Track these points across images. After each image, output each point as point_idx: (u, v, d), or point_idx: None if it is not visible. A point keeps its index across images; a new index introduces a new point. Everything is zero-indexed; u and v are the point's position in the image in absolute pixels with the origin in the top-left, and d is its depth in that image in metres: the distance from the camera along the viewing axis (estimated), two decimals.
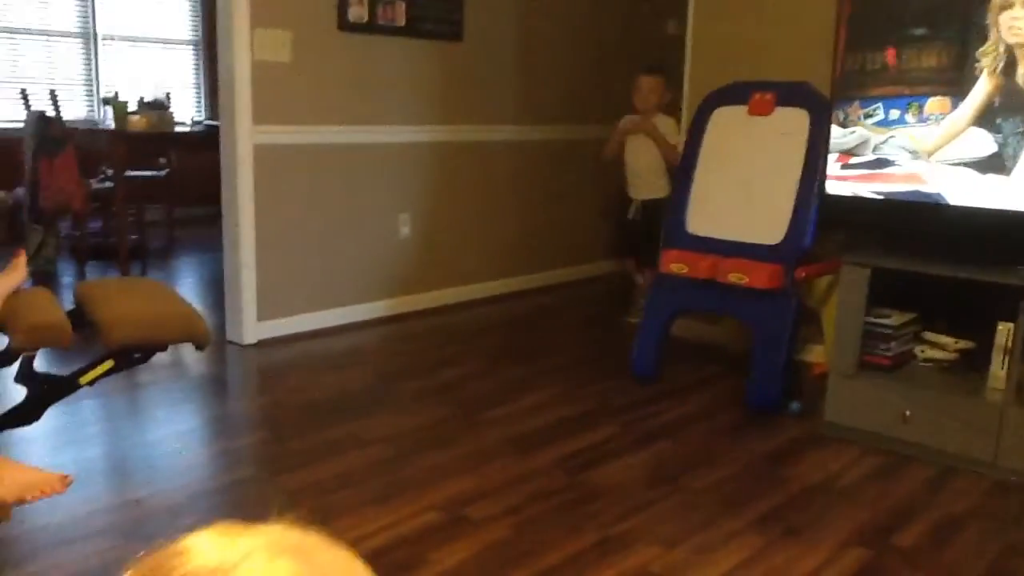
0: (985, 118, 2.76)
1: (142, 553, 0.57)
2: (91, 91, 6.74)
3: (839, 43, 3.16)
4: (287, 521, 0.59)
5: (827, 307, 3.58)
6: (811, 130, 3.25)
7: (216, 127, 4.05)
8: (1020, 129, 2.70)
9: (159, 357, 2.55)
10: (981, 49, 2.75)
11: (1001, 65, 2.71)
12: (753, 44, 3.77)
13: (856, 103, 3.03)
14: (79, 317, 2.47)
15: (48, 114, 5.03)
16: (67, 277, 5.20)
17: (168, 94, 5.87)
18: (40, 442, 2.72)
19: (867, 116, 3.00)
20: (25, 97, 5.35)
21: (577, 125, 5.21)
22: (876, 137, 3.01)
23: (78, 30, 6.64)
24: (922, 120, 2.89)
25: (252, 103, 3.79)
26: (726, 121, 3.50)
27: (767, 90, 3.40)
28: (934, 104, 2.85)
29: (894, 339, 3.01)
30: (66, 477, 1.88)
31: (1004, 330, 2.77)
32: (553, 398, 3.40)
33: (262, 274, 3.95)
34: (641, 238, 4.43)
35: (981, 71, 2.75)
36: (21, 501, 1.82)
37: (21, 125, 5.22)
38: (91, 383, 2.34)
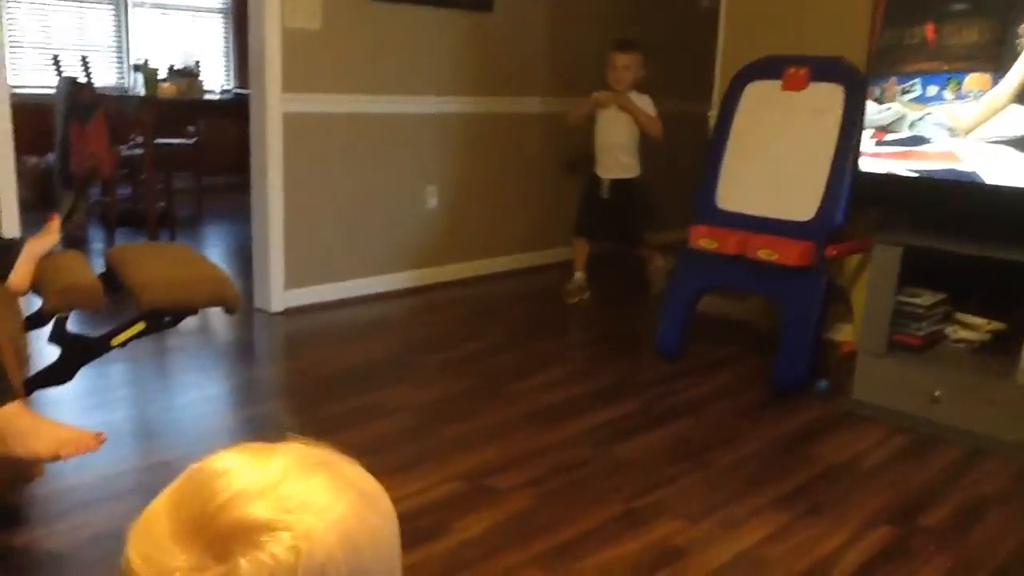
0: None
1: (177, 476, 0.59)
2: (121, 58, 6.77)
3: (877, 17, 3.11)
4: (301, 440, 0.62)
5: (857, 285, 3.55)
6: (845, 106, 3.20)
7: (244, 96, 4.06)
8: None
9: (187, 323, 2.57)
10: None
11: None
12: (788, 18, 3.71)
13: (893, 79, 2.98)
14: (110, 280, 2.49)
15: (79, 80, 5.05)
16: (96, 243, 5.24)
17: (197, 62, 5.88)
18: (70, 404, 2.75)
19: (904, 92, 2.95)
20: (57, 63, 5.37)
21: None
22: (912, 114, 2.96)
23: None
24: (960, 97, 2.83)
25: (282, 71, 3.79)
26: (759, 96, 3.46)
27: (801, 65, 3.35)
28: (973, 80, 2.80)
29: (925, 319, 2.98)
30: (100, 434, 1.90)
31: None
32: (577, 372, 3.40)
33: (290, 242, 3.97)
34: (612, 221, 4.31)
35: (1023, 47, 2.69)
36: (56, 457, 1.84)
37: (53, 92, 5.25)
38: (122, 345, 2.36)
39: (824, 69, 3.31)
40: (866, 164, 3.08)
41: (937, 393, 2.83)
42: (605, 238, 4.49)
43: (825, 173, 3.19)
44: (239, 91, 6.30)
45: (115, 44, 6.74)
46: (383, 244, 4.33)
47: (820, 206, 3.18)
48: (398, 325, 3.98)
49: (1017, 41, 2.70)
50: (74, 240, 4.89)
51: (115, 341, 2.35)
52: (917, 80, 2.93)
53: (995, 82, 2.76)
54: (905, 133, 2.98)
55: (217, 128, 6.23)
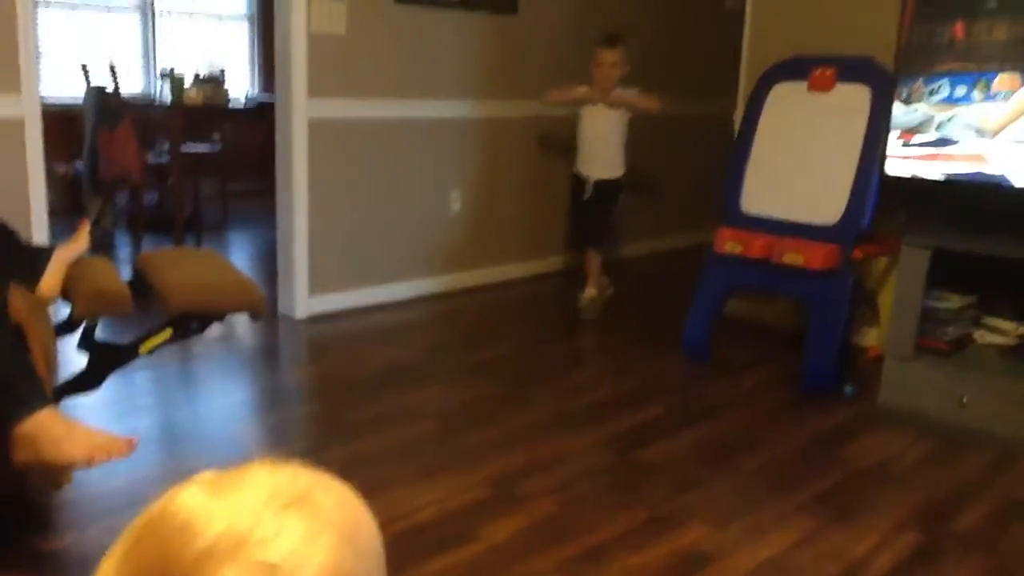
0: None
1: (132, 523, 0.53)
2: (148, 65, 6.83)
3: (906, 16, 3.08)
4: (266, 462, 0.57)
5: (884, 289, 3.52)
6: (872, 107, 3.18)
7: (269, 102, 4.08)
8: None
9: (212, 330, 2.59)
10: None
11: None
12: (814, 18, 3.69)
13: (920, 80, 2.95)
14: (138, 286, 2.51)
15: (107, 88, 5.11)
16: (123, 249, 5.29)
17: (222, 70, 5.93)
18: (97, 411, 2.77)
19: (931, 93, 2.92)
20: (85, 71, 5.43)
21: None
22: (940, 115, 2.93)
23: (136, 4, 6.72)
24: (989, 97, 2.80)
25: (307, 76, 3.80)
26: (785, 97, 3.44)
27: (828, 65, 3.33)
28: (1003, 81, 2.77)
29: (952, 323, 2.95)
30: (132, 439, 1.91)
31: None
32: (602, 376, 3.39)
33: (315, 248, 3.99)
34: (591, 221, 4.16)
35: None
36: (90, 462, 1.86)
37: (81, 99, 5.31)
38: (150, 352, 2.38)
39: (851, 70, 3.29)
40: (893, 166, 3.05)
41: (965, 398, 2.80)
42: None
43: (851, 176, 3.17)
44: (264, 98, 6.34)
45: (142, 52, 6.81)
46: (407, 249, 4.34)
47: (846, 209, 3.15)
48: (422, 330, 3.99)
49: None
50: (101, 246, 4.93)
51: (143, 348, 2.37)
52: (945, 80, 2.89)
53: None
54: (932, 135, 2.94)
55: (242, 134, 6.28)
